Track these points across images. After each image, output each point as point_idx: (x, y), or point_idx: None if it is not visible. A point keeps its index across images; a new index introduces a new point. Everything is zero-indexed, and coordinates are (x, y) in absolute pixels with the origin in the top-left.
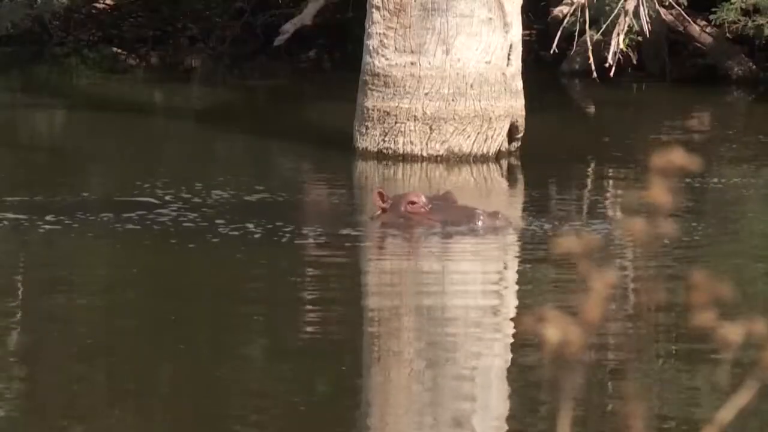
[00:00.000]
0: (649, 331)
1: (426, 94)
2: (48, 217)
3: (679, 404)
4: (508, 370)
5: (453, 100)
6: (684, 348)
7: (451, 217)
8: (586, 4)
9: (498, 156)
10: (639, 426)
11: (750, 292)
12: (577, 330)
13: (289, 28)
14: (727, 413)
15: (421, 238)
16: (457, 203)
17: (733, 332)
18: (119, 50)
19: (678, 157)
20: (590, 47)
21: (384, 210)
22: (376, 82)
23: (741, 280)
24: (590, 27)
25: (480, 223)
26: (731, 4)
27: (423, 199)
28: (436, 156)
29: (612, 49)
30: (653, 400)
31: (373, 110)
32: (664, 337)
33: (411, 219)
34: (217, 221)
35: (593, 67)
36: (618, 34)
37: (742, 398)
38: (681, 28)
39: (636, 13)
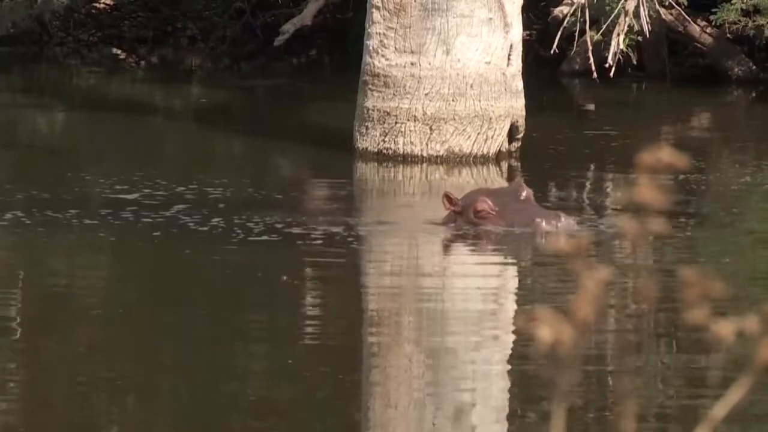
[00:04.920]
0: (643, 328)
1: (426, 94)
2: (8, 215)
3: (672, 401)
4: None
5: (453, 100)
6: (677, 344)
7: (511, 222)
8: (586, 4)
9: (498, 156)
10: (633, 423)
11: (743, 289)
12: (569, 329)
13: (289, 28)
14: (720, 410)
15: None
16: (522, 198)
17: (726, 329)
18: (119, 50)
19: (669, 155)
20: (590, 47)
21: (457, 213)
22: (376, 82)
23: (735, 277)
24: (590, 27)
25: (540, 230)
26: (731, 4)
27: (490, 203)
28: (437, 156)
29: (612, 49)
30: (647, 397)
31: (373, 110)
32: (658, 333)
33: (480, 225)
34: (214, 220)
35: (593, 68)
36: (618, 34)
37: (735, 395)
38: (681, 28)
39: (636, 13)
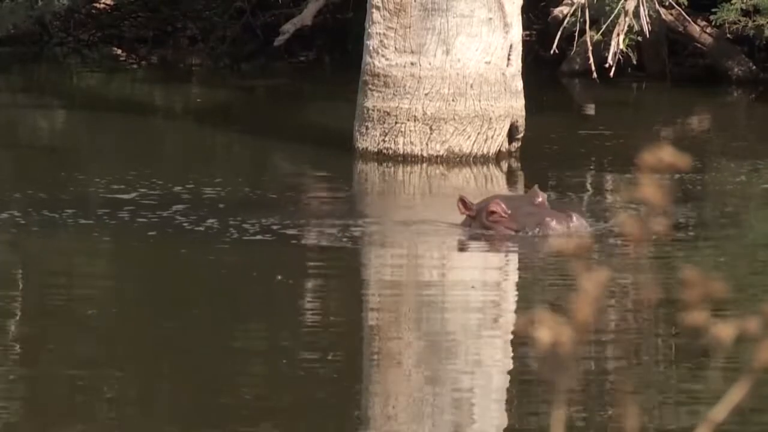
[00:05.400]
0: (643, 329)
1: (426, 94)
2: (4, 215)
3: (672, 402)
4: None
5: (453, 100)
6: (678, 346)
7: (522, 224)
8: (586, 4)
9: (498, 156)
10: (633, 425)
11: (743, 290)
12: (569, 330)
13: (289, 28)
14: (720, 411)
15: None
16: (536, 203)
17: (726, 330)
18: (119, 50)
19: (670, 154)
20: (590, 47)
21: (472, 217)
22: (376, 82)
23: (734, 277)
24: (590, 27)
25: (550, 230)
26: (731, 4)
27: (503, 206)
28: (437, 156)
29: (612, 49)
30: (647, 399)
31: (373, 110)
32: (658, 334)
33: (493, 228)
34: (211, 220)
35: (593, 68)
36: (618, 35)
37: (735, 396)
38: (681, 28)
39: (636, 13)
